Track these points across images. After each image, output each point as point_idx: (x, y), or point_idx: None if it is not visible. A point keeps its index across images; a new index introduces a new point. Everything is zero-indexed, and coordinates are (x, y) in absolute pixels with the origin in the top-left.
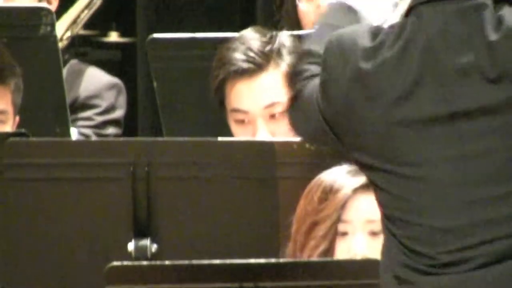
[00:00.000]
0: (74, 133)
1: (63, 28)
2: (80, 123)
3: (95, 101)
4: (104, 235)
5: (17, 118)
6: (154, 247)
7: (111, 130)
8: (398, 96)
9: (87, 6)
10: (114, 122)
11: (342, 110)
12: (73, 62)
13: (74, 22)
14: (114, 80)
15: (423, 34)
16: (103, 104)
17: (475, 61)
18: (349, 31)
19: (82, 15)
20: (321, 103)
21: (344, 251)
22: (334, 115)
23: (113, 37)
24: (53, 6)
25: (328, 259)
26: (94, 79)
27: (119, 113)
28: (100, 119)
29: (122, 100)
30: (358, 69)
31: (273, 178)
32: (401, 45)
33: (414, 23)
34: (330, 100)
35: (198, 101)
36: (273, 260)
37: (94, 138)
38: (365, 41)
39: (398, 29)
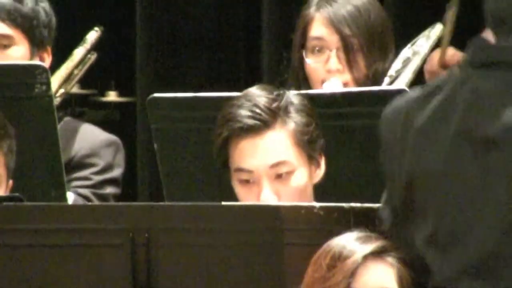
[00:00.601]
0: (71, 197)
1: (55, 85)
2: (77, 183)
3: (92, 160)
4: None
5: (11, 181)
6: None
7: (109, 189)
8: None
9: (80, 62)
10: (112, 181)
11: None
12: (68, 119)
13: (68, 78)
14: (112, 137)
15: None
16: (101, 162)
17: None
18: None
19: (76, 72)
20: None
21: None
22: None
23: (112, 96)
24: (46, 63)
25: None
26: (90, 137)
27: (117, 172)
28: (97, 178)
29: (121, 158)
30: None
31: (279, 244)
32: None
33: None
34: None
35: (200, 163)
36: None
37: (92, 200)
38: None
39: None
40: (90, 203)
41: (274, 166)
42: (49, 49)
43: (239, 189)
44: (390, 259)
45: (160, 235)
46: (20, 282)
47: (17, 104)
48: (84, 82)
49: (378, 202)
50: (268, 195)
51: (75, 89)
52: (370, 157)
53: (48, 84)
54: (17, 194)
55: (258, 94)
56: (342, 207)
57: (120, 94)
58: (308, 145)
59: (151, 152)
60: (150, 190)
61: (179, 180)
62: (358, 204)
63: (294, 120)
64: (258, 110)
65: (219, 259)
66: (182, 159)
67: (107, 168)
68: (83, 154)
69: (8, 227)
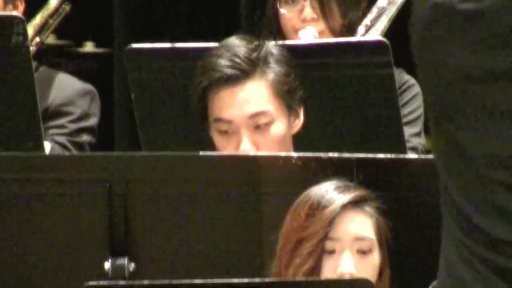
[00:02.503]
0: (47, 146)
1: (30, 34)
2: (53, 131)
3: (68, 109)
4: (80, 254)
5: None
6: (132, 266)
7: (85, 138)
8: None
9: (55, 12)
10: (88, 130)
11: None
12: (43, 69)
13: (43, 28)
14: (87, 86)
15: None
16: (77, 111)
17: None
18: None
19: (51, 21)
20: None
21: (331, 269)
22: None
23: (89, 47)
24: (19, 10)
25: (315, 278)
26: (66, 86)
27: (93, 121)
28: (73, 126)
29: (96, 107)
30: None
31: (257, 194)
32: None
33: None
34: None
35: (178, 114)
36: (257, 280)
37: (68, 148)
38: None
39: None
40: (67, 153)
41: (253, 116)
42: None
43: (217, 140)
44: (368, 209)
45: (137, 185)
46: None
47: None
48: (60, 33)
49: (356, 152)
50: (247, 146)
51: (52, 40)
52: (348, 107)
53: (25, 35)
54: None
55: (237, 44)
56: (320, 157)
57: (97, 45)
58: (287, 95)
59: (128, 103)
60: (127, 140)
61: (157, 131)
62: (336, 154)
63: (274, 71)
64: (237, 60)
65: (196, 209)
66: (159, 109)
67: (83, 116)
68: (59, 103)
69: None
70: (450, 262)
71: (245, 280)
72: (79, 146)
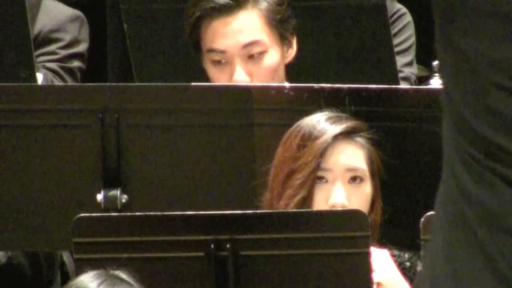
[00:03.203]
0: (39, 76)
1: None
2: (44, 58)
3: (58, 35)
4: (72, 185)
5: None
6: (124, 197)
7: (76, 63)
8: None
9: None
10: (78, 56)
11: None
12: None
13: None
14: (76, 12)
15: None
16: (67, 37)
17: None
18: None
19: None
20: None
21: (323, 200)
22: None
23: None
24: None
25: (307, 210)
26: (55, 12)
27: (83, 47)
28: (64, 52)
29: (85, 33)
30: None
31: (249, 124)
32: None
33: None
34: None
35: (171, 44)
36: (249, 212)
37: (60, 74)
38: None
39: None
40: (60, 84)
41: (247, 46)
42: None
43: (211, 70)
44: (360, 140)
45: (130, 116)
46: None
47: None
48: None
49: (348, 82)
50: (240, 76)
51: None
52: (341, 37)
53: None
54: None
55: None
56: (312, 87)
57: None
58: (280, 24)
59: (121, 33)
60: (120, 71)
61: (150, 61)
62: (329, 85)
63: (266, 0)
64: None
65: (189, 140)
66: (152, 39)
67: (73, 42)
68: (49, 29)
69: None
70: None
71: (237, 212)
72: (71, 72)
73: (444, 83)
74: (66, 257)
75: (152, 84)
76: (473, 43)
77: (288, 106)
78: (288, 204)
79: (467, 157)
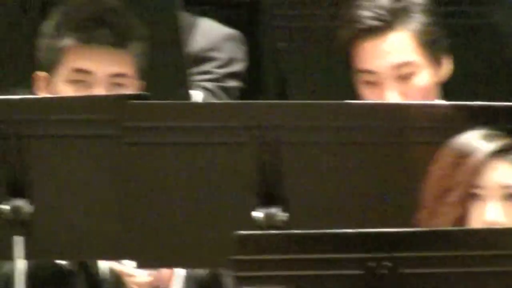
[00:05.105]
0: (196, 94)
1: None
2: (200, 77)
3: (213, 54)
4: (229, 203)
5: (142, 83)
6: (283, 215)
7: (232, 83)
8: None
9: None
10: (235, 75)
11: None
12: (185, 15)
13: None
14: (232, 31)
15: None
16: (222, 56)
17: None
18: None
19: None
20: None
21: (478, 217)
22: None
23: None
24: None
25: (466, 228)
26: (211, 31)
27: (239, 66)
28: (220, 72)
29: (242, 51)
30: None
31: (403, 142)
32: None
33: None
34: None
35: (324, 62)
36: (408, 229)
37: (216, 94)
38: None
39: None
40: (215, 101)
41: (398, 66)
42: None
43: (363, 90)
44: None
45: (287, 133)
46: (144, 179)
47: (139, 1)
48: None
49: (505, 100)
50: (391, 96)
51: None
52: (498, 54)
53: None
54: (143, 92)
55: None
56: (466, 105)
57: None
58: (431, 45)
59: (275, 51)
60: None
61: (304, 79)
62: (482, 102)
63: (417, 20)
64: (380, 11)
65: (345, 157)
66: (305, 56)
67: (229, 61)
68: (205, 49)
69: (134, 125)
70: None
71: (397, 230)
72: (227, 91)
73: None
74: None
75: (308, 101)
76: None
77: (441, 124)
78: (443, 222)
79: None
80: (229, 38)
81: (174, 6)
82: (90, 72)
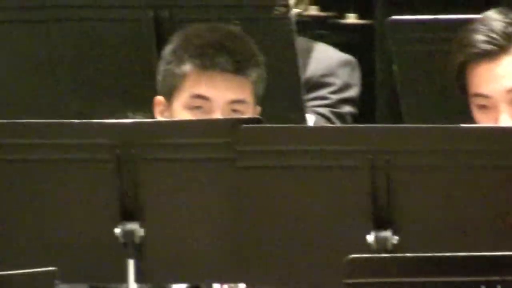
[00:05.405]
0: (311, 119)
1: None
2: (315, 102)
3: (329, 79)
4: (341, 226)
5: (258, 108)
6: (395, 238)
7: (347, 109)
8: None
9: None
10: (349, 101)
11: None
12: (300, 40)
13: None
14: (347, 56)
15: None
16: (337, 82)
17: None
18: None
19: None
20: None
21: None
22: None
23: (351, 19)
24: None
25: None
26: (326, 57)
27: (354, 91)
28: (335, 97)
29: (357, 77)
30: None
31: None
32: None
33: None
34: None
35: (439, 86)
36: None
37: (331, 120)
38: None
39: None
40: (328, 125)
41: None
42: None
43: (476, 114)
44: None
45: (400, 157)
46: (257, 202)
47: (256, 26)
48: (323, 4)
49: None
50: (506, 120)
51: (314, 11)
52: None
53: (287, 6)
54: (256, 116)
55: (494, 18)
56: None
57: (360, 17)
58: None
59: (389, 75)
60: (388, 112)
61: (419, 102)
62: None
63: None
64: (494, 35)
65: (455, 181)
66: (421, 81)
67: (344, 87)
68: (320, 74)
69: (248, 149)
70: None
71: (508, 253)
72: (342, 117)
73: None
74: None
75: (422, 125)
76: None
77: None
78: None
79: None
80: (344, 64)
81: (290, 30)
82: (209, 99)
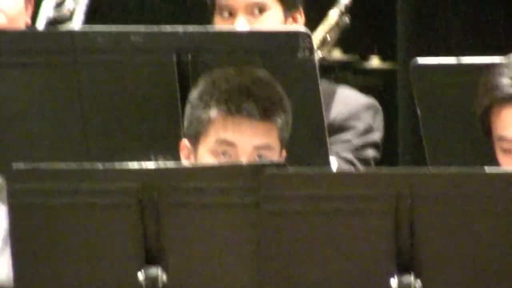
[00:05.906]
0: (334, 162)
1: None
2: (338, 146)
3: (352, 123)
4: (365, 270)
5: (284, 152)
6: (418, 283)
7: (370, 153)
8: None
9: (335, 25)
10: (373, 145)
11: None
12: (323, 83)
13: (324, 41)
14: (370, 100)
15: None
16: (361, 125)
17: None
18: None
19: (331, 35)
20: None
21: None
22: None
23: (375, 62)
24: (300, 23)
25: None
26: (349, 100)
27: (377, 135)
28: (358, 141)
29: (380, 121)
30: None
31: None
32: None
33: None
34: None
35: (465, 130)
36: None
37: (355, 164)
38: None
39: None
40: (352, 170)
41: None
42: (301, 9)
43: (501, 158)
44: None
45: (424, 201)
46: (282, 247)
47: (280, 69)
48: (345, 47)
49: None
50: None
51: (337, 54)
52: None
53: (311, 49)
54: (280, 161)
55: None
56: None
57: (383, 60)
58: None
59: (412, 118)
60: (411, 156)
61: (443, 147)
62: None
63: None
64: None
65: (479, 225)
66: (445, 124)
67: (368, 131)
68: (343, 118)
69: (272, 194)
70: None
71: None
72: (365, 162)
73: None
74: None
75: (446, 169)
76: None
77: None
78: None
79: None
80: (368, 108)
81: (314, 73)
82: (235, 144)
